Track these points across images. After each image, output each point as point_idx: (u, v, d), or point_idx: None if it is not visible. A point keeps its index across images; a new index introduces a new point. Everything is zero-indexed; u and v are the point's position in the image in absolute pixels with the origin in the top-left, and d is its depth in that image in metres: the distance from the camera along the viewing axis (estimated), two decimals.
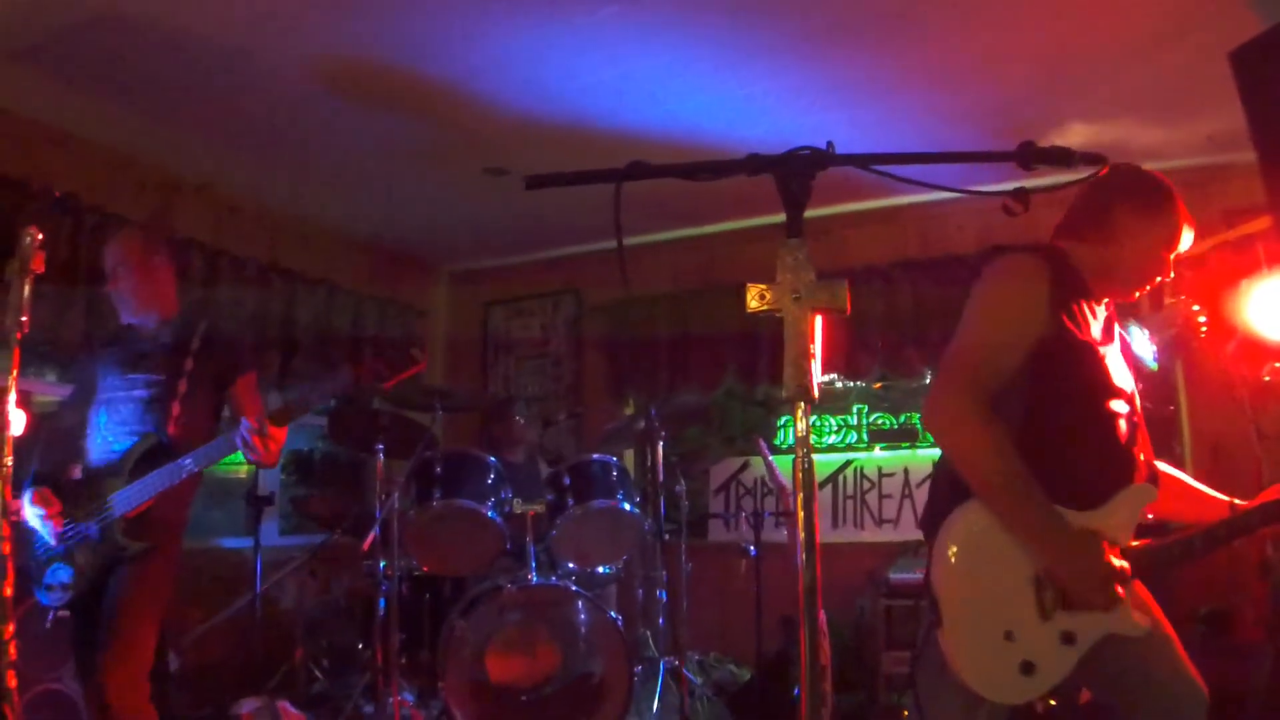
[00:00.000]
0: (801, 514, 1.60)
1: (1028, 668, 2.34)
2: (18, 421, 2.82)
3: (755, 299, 1.67)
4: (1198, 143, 5.50)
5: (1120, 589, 2.36)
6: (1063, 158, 1.85)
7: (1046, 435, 2.44)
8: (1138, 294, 2.73)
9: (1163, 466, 2.78)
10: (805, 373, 1.61)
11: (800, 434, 1.63)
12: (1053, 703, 3.67)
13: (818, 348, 1.63)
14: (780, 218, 5.80)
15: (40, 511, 3.44)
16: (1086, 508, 2.44)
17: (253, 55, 4.63)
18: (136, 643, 3.35)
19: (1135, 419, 2.63)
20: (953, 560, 2.41)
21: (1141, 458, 2.61)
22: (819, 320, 1.65)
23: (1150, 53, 4.59)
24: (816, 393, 1.63)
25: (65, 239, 5.17)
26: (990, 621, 2.37)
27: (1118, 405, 2.56)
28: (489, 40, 4.54)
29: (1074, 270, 2.61)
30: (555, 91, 5.00)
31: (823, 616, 5.16)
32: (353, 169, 6.07)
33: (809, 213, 1.73)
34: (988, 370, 2.43)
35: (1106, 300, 2.73)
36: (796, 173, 1.74)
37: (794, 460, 1.63)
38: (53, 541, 3.45)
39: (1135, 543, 2.48)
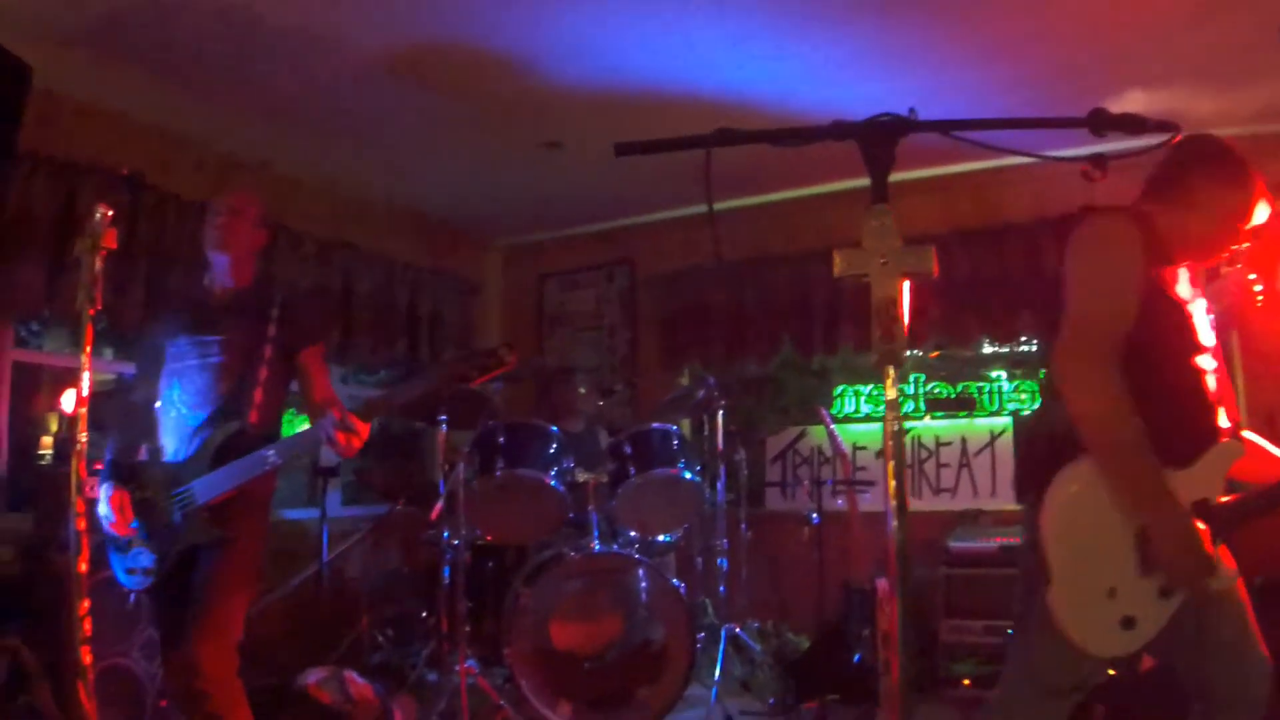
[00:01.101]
0: (893, 482, 1.62)
1: (1128, 622, 2.43)
2: (69, 399, 2.86)
3: (842, 264, 1.68)
4: (1251, 113, 5.46)
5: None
6: (1135, 125, 1.86)
7: (1141, 393, 2.46)
8: (1213, 261, 2.80)
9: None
10: (894, 337, 1.63)
11: (890, 399, 1.65)
12: (1111, 673, 3.72)
13: (905, 312, 1.64)
14: (834, 186, 5.80)
15: (111, 517, 3.45)
16: (1180, 466, 2.50)
17: (309, 33, 4.66)
18: (229, 618, 3.37)
19: (1219, 375, 2.70)
20: (1063, 519, 2.48)
21: (1224, 414, 2.67)
22: (906, 285, 1.67)
23: (1204, 22, 4.53)
24: (905, 357, 1.64)
25: (123, 218, 5.21)
26: (1095, 579, 2.46)
27: (1204, 361, 2.64)
28: (545, 12, 4.53)
29: (1157, 232, 2.65)
30: (611, 62, 5.00)
31: (883, 585, 5.21)
32: (410, 145, 6.10)
33: (861, 182, 1.74)
34: (1113, 337, 2.47)
35: (1187, 263, 2.77)
36: (880, 139, 1.75)
37: (884, 425, 1.65)
38: (119, 537, 3.48)
39: (1224, 498, 2.53)
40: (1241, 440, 2.67)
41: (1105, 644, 2.47)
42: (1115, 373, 2.42)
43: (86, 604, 2.97)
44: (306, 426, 3.44)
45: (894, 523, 1.62)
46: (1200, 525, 2.42)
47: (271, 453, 3.36)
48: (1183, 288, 2.67)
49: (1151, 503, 2.41)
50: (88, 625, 2.96)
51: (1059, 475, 2.50)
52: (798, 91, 5.28)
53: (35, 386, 6.55)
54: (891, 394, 1.64)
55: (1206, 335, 2.68)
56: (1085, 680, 2.57)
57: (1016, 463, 2.93)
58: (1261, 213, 2.73)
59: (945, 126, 1.84)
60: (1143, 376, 2.49)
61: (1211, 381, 2.65)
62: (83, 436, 2.98)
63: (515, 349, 3.45)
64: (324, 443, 3.34)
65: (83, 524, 2.98)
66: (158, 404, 3.64)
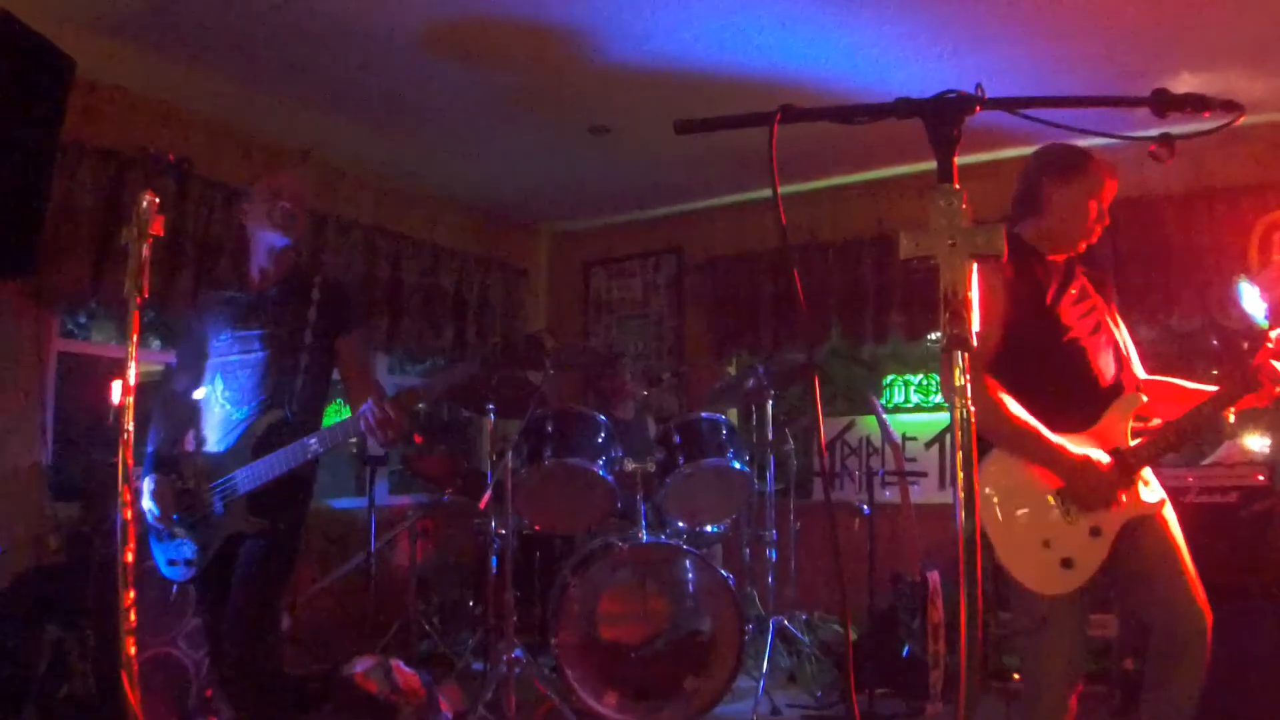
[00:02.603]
0: (961, 474, 1.56)
1: (1067, 563, 2.93)
2: (116, 390, 2.83)
3: (908, 246, 1.62)
4: None
5: (1121, 492, 2.95)
6: (1199, 104, 1.83)
7: (1036, 383, 3.03)
8: (1084, 245, 3.20)
9: (1158, 378, 3.33)
10: (963, 321, 1.57)
11: (959, 385, 1.58)
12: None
13: (975, 295, 1.58)
14: (884, 172, 5.69)
15: (155, 510, 3.44)
16: (1085, 428, 3.05)
17: (355, 19, 4.63)
18: (272, 607, 3.39)
19: (1110, 344, 3.19)
20: (988, 498, 3.01)
21: (1121, 375, 3.17)
22: (974, 266, 1.61)
23: (1259, 4, 4.46)
24: (975, 341, 1.58)
25: (170, 207, 5.21)
26: (1028, 536, 2.97)
27: (1081, 342, 3.11)
28: None
29: (1025, 246, 3.16)
30: (659, 45, 4.93)
31: (934, 577, 5.14)
32: (457, 130, 6.07)
33: (913, 168, 1.69)
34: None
35: (1064, 255, 3.23)
36: (947, 116, 1.71)
37: (953, 413, 1.59)
38: (161, 529, 3.47)
39: (1134, 442, 3.04)
40: (1140, 392, 3.15)
41: (1050, 583, 2.94)
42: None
43: (132, 594, 2.96)
44: (348, 416, 3.43)
45: (961, 514, 1.56)
46: (1109, 465, 2.95)
47: (313, 441, 3.34)
48: (1053, 282, 3.12)
49: (1048, 459, 2.96)
50: (133, 615, 2.95)
51: (982, 464, 3.01)
52: (849, 74, 5.19)
53: (86, 377, 6.59)
54: (960, 380, 1.58)
55: (1081, 318, 3.14)
56: (1047, 616, 2.97)
57: None
58: (1111, 188, 3.16)
59: (1012, 104, 1.83)
60: (1032, 370, 3.03)
61: (1098, 353, 3.12)
62: (129, 426, 2.97)
63: (557, 335, 3.42)
64: (364, 431, 3.32)
65: (130, 513, 2.96)
66: (199, 395, 3.62)
